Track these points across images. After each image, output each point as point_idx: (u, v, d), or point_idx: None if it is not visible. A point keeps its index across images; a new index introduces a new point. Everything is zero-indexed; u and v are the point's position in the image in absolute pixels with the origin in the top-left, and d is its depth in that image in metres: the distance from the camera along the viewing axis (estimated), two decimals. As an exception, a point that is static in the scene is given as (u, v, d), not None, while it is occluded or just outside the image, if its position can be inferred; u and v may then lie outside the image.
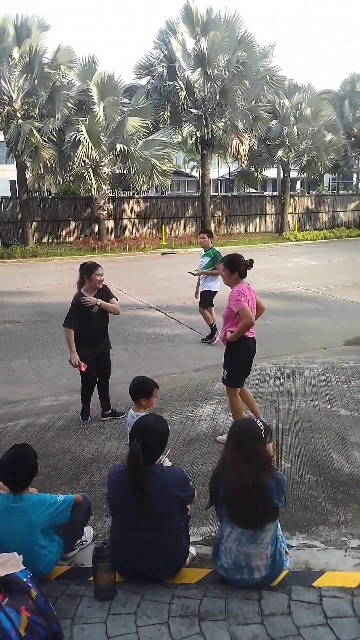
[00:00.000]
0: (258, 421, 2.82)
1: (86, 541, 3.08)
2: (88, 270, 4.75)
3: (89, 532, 3.14)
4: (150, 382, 3.67)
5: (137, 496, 2.58)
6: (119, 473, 2.71)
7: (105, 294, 4.91)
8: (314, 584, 2.66)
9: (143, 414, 3.36)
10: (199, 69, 20.48)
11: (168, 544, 2.66)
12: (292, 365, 6.43)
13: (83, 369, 4.76)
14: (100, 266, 4.82)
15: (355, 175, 39.12)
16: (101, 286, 4.84)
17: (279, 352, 7.07)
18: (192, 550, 2.89)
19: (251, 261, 4.33)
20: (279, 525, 2.70)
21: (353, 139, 27.32)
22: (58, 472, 3.99)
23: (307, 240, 25.48)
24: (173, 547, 2.69)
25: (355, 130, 27.09)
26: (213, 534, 3.11)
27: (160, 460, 2.97)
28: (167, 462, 3.06)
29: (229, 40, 20.30)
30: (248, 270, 4.36)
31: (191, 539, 2.93)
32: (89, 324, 4.79)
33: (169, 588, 2.67)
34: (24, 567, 2.44)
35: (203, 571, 2.81)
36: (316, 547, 3.01)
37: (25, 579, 2.38)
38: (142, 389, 3.62)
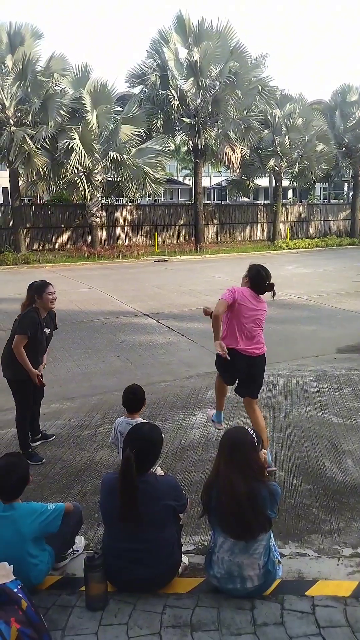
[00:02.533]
0: (250, 430, 2.82)
1: (77, 550, 3.04)
2: (38, 290, 4.29)
3: (80, 541, 3.10)
4: (141, 389, 3.57)
5: (128, 505, 2.56)
6: (113, 480, 2.69)
7: (52, 319, 4.53)
8: (306, 593, 2.65)
9: (136, 421, 3.36)
10: (192, 78, 20.66)
11: (160, 553, 2.64)
12: (285, 373, 6.44)
13: (39, 384, 4.36)
14: (51, 284, 4.37)
15: (346, 185, 39.57)
16: (53, 306, 4.38)
17: (272, 360, 7.04)
18: (185, 559, 2.87)
19: (271, 285, 4.05)
20: (271, 534, 2.69)
21: (344, 149, 27.61)
22: (49, 481, 3.96)
23: (299, 248, 25.65)
24: (165, 556, 2.66)
25: (346, 140, 27.39)
26: (205, 543, 3.09)
27: (154, 469, 2.96)
28: (159, 471, 3.04)
29: (221, 51, 20.51)
30: (267, 291, 4.06)
31: (183, 548, 2.91)
32: (37, 342, 4.32)
33: (161, 598, 2.64)
34: (14, 577, 2.40)
35: (195, 581, 2.79)
36: (309, 555, 3.01)
37: (15, 590, 2.34)
38: (137, 397, 3.52)
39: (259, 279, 4.01)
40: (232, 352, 3.86)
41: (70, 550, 3.01)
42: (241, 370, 4.07)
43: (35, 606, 2.38)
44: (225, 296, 3.85)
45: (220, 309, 3.81)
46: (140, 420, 3.44)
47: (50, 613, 2.56)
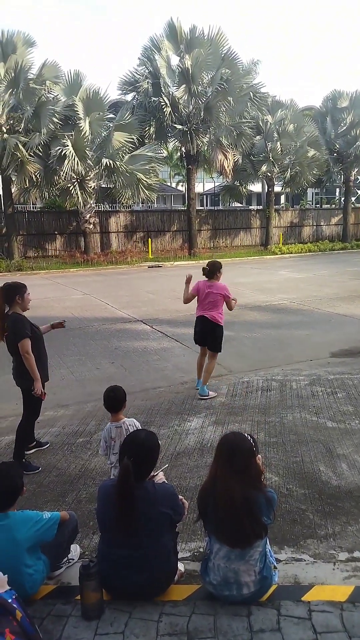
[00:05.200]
0: (247, 435, 2.81)
1: (73, 559, 3.02)
2: (19, 291, 4.18)
3: (75, 549, 3.09)
4: (122, 389, 3.53)
5: (125, 513, 2.55)
6: (109, 488, 2.67)
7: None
8: (303, 599, 2.65)
9: (122, 422, 3.43)
10: (184, 85, 20.79)
11: (156, 561, 2.63)
12: (279, 378, 6.46)
13: (44, 397, 4.33)
14: (25, 285, 4.31)
15: (337, 190, 39.83)
16: (29, 308, 4.33)
17: (266, 365, 7.10)
18: (180, 566, 2.86)
19: (203, 269, 6.13)
20: (267, 540, 2.68)
21: (335, 154, 27.84)
22: (43, 489, 3.93)
23: (292, 253, 25.77)
24: (162, 563, 2.65)
25: (337, 146, 27.64)
26: (201, 550, 3.08)
27: (156, 473, 2.95)
28: (161, 476, 3.03)
29: (213, 58, 20.68)
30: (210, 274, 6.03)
31: (179, 555, 2.90)
32: (37, 338, 4.29)
33: (157, 605, 2.63)
34: (8, 588, 2.38)
35: (191, 587, 2.77)
36: (305, 560, 3.00)
37: (10, 600, 2.32)
38: (117, 395, 3.48)
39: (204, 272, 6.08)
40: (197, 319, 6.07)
41: (66, 559, 2.99)
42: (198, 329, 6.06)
43: (30, 616, 2.36)
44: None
45: (185, 296, 6.28)
46: (125, 420, 3.46)
47: (45, 623, 2.54)
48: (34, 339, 4.22)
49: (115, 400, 3.46)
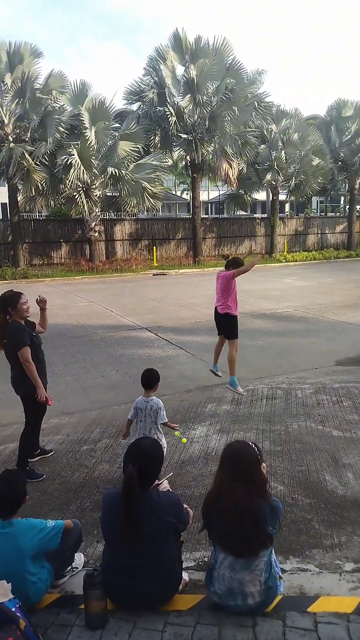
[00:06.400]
0: (251, 443, 2.80)
1: (77, 568, 3.01)
2: (11, 302, 4.16)
3: (79, 558, 3.07)
4: (157, 372, 4.24)
5: (129, 521, 2.54)
6: (114, 496, 2.66)
7: (31, 323, 4.45)
8: (308, 610, 2.62)
9: (150, 399, 4.07)
10: (189, 95, 20.96)
11: (161, 570, 2.61)
12: (284, 386, 6.43)
13: (50, 402, 4.29)
14: (22, 294, 4.28)
15: (342, 198, 39.87)
16: (29, 315, 4.31)
17: (271, 373, 7.08)
18: (185, 576, 2.84)
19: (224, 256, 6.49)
20: (272, 550, 2.66)
21: (340, 163, 27.91)
22: (48, 497, 3.92)
23: (296, 261, 25.77)
24: (166, 573, 2.63)
25: (342, 154, 27.71)
26: (206, 559, 3.06)
27: (160, 482, 2.94)
28: (165, 484, 3.02)
29: (218, 68, 20.85)
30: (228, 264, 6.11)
31: (184, 564, 2.88)
32: (36, 346, 4.27)
33: (161, 615, 2.61)
34: (12, 596, 2.37)
35: (196, 597, 2.75)
36: (310, 571, 2.97)
37: (13, 609, 2.31)
38: (155, 377, 4.17)
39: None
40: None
41: (70, 567, 2.97)
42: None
43: (34, 625, 2.35)
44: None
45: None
46: (155, 399, 4.10)
47: (49, 632, 2.52)
48: (33, 347, 4.23)
49: (150, 379, 4.15)
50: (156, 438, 3.91)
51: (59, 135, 18.76)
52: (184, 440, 4.64)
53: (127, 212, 23.37)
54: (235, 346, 6.19)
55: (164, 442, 4.00)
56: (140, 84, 22.14)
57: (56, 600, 2.79)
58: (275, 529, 2.58)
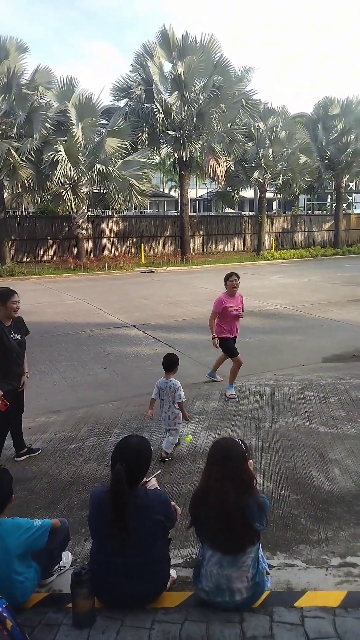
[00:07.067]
0: (239, 440, 2.80)
1: (64, 566, 3.00)
2: (2, 298, 4.16)
3: (67, 557, 3.06)
4: (177, 357, 4.70)
5: (117, 520, 2.53)
6: (101, 494, 2.65)
7: (21, 324, 4.46)
8: (295, 604, 2.64)
9: (170, 380, 4.55)
10: (176, 92, 20.91)
11: (149, 568, 2.61)
12: (272, 383, 6.47)
13: (3, 408, 4.10)
14: (16, 293, 4.27)
15: (329, 197, 40.13)
16: (16, 314, 4.31)
17: (258, 370, 7.11)
18: (173, 573, 2.84)
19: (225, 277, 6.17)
20: (259, 546, 2.67)
21: (326, 161, 28.10)
22: (35, 497, 3.90)
23: (284, 259, 25.91)
24: (154, 571, 2.63)
25: (329, 152, 27.89)
26: (194, 556, 3.06)
27: (148, 479, 2.94)
28: (153, 482, 3.02)
29: (205, 65, 20.83)
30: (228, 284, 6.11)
31: (172, 562, 2.88)
32: (7, 349, 4.24)
33: (149, 613, 2.61)
34: (-1, 596, 2.36)
35: (184, 594, 2.76)
36: (297, 566, 3.00)
37: (0, 609, 2.29)
38: (174, 360, 4.64)
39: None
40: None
41: (57, 566, 2.96)
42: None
43: (21, 625, 2.33)
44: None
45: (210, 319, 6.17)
46: (174, 380, 4.57)
47: (36, 632, 2.51)
48: (5, 349, 4.20)
49: (170, 362, 4.63)
50: (176, 415, 4.56)
51: (45, 132, 18.61)
52: (189, 438, 4.75)
53: (115, 209, 23.28)
54: (235, 362, 6.18)
55: (181, 420, 4.62)
56: (128, 80, 22.04)
57: (43, 599, 2.77)
58: (262, 525, 2.59)
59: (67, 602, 2.64)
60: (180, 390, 4.54)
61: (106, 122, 21.31)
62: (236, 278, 6.11)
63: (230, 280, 6.08)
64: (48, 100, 20.10)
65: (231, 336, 6.19)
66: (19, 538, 2.59)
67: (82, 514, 3.52)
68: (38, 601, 2.75)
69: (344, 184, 29.54)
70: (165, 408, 4.60)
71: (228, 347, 6.18)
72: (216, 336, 6.04)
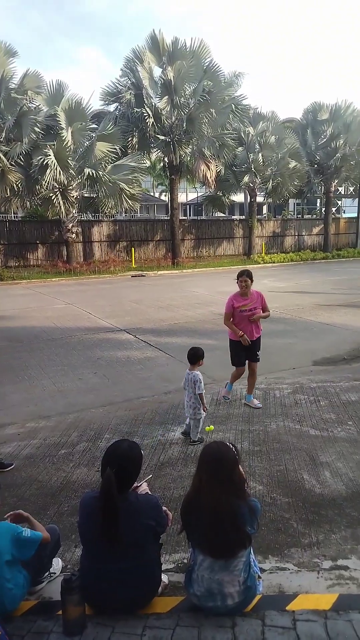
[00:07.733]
0: (230, 444, 2.79)
1: (54, 573, 2.96)
2: None
3: (57, 563, 3.02)
4: (202, 350, 4.93)
5: (108, 525, 2.51)
6: (91, 500, 2.63)
7: None
8: (287, 608, 2.63)
9: (193, 372, 4.82)
10: (166, 96, 20.97)
11: (140, 573, 2.59)
12: (262, 386, 6.47)
13: None
14: None
15: (318, 201, 40.45)
16: None
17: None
18: (164, 578, 2.82)
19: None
20: (251, 550, 2.66)
21: (316, 166, 28.33)
22: (24, 503, 3.85)
23: (274, 262, 26.03)
24: (146, 576, 2.61)
25: (318, 157, 28.12)
26: (185, 561, 3.05)
27: (139, 484, 2.92)
28: (144, 487, 3.00)
29: (195, 70, 20.92)
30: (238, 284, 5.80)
31: (163, 567, 2.86)
32: None
33: (140, 619, 2.59)
34: (-13, 604, 2.32)
35: (175, 599, 2.74)
36: (289, 569, 2.99)
37: (-11, 617, 2.26)
38: (198, 353, 4.88)
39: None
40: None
41: (47, 573, 2.92)
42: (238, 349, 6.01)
43: (10, 634, 2.30)
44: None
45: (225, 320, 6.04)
46: (195, 372, 4.85)
47: (25, 640, 2.47)
48: None
49: (193, 356, 4.89)
50: (196, 406, 4.81)
51: (34, 136, 18.56)
52: (210, 428, 5.03)
53: (105, 213, 23.25)
54: (234, 372, 6.05)
55: (202, 412, 4.87)
56: (118, 85, 22.06)
57: (33, 607, 2.74)
58: (253, 528, 2.59)
59: (58, 609, 2.61)
60: (200, 382, 4.82)
61: (96, 126, 21.30)
62: (246, 278, 5.62)
63: (240, 280, 5.66)
64: (37, 104, 20.06)
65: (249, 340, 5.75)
66: (8, 541, 2.55)
67: (72, 520, 3.49)
68: (28, 609, 2.71)
69: (333, 189, 29.77)
70: (187, 397, 4.90)
71: (236, 353, 5.92)
72: (242, 333, 5.73)
